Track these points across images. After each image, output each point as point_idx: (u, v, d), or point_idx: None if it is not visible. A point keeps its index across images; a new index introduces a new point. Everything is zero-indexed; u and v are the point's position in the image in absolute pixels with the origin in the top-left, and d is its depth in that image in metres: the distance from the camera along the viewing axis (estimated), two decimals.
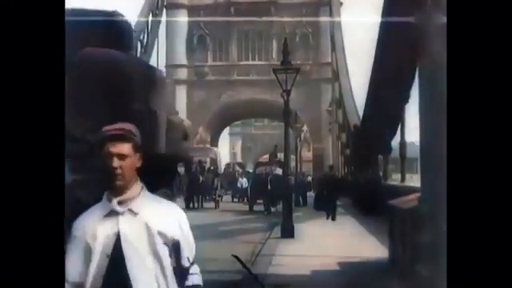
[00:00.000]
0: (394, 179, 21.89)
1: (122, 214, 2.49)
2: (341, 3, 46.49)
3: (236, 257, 3.55)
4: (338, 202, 20.84)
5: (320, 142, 46.29)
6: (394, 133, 19.71)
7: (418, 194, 7.59)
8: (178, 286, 2.55)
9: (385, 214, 11.11)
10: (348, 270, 9.95)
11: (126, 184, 2.51)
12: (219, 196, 27.83)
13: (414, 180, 15.91)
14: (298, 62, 31.35)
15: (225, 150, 62.29)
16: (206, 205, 26.49)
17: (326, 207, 20.11)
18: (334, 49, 42.62)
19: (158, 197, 2.65)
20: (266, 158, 32.64)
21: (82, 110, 2.81)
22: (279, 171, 22.81)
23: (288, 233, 14.52)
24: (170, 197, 2.69)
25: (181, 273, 2.56)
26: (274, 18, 47.06)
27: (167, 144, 3.09)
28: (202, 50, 48.09)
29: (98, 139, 2.53)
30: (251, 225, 19.18)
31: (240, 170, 37.52)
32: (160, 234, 2.49)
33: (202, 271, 2.66)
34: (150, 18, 41.04)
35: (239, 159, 67.77)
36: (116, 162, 2.47)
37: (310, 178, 33.94)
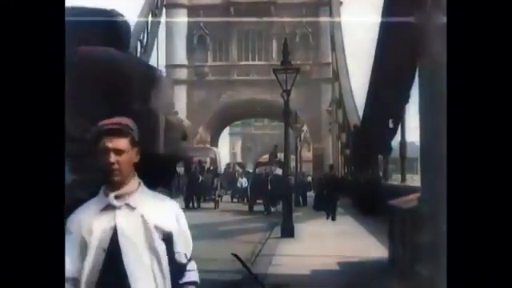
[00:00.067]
0: (394, 179, 21.89)
1: (119, 208, 2.46)
2: (341, 3, 46.50)
3: (236, 256, 3.56)
4: (338, 202, 20.83)
5: (320, 142, 46.32)
6: (394, 133, 19.71)
7: (418, 194, 7.59)
8: (175, 281, 2.53)
9: (385, 214, 11.11)
10: (348, 270, 9.95)
11: (124, 179, 2.48)
12: (219, 196, 27.83)
13: (415, 181, 15.90)
14: (298, 62, 31.40)
15: (225, 150, 62.35)
16: (205, 205, 26.49)
17: (326, 207, 20.12)
18: (334, 49, 42.65)
19: (156, 193, 2.62)
20: (265, 158, 32.65)
21: (81, 110, 2.80)
22: (279, 171, 22.82)
23: (288, 233, 14.53)
24: (168, 196, 2.68)
25: (178, 269, 2.54)
26: (274, 18, 47.09)
27: (166, 144, 3.08)
28: (202, 50, 48.10)
29: (94, 134, 2.49)
30: (251, 225, 19.18)
31: (240, 170, 37.49)
32: (157, 228, 2.47)
33: (201, 271, 2.65)
34: (150, 18, 41.05)
35: (239, 159, 67.77)
36: (113, 157, 2.44)
37: (309, 178, 33.94)
